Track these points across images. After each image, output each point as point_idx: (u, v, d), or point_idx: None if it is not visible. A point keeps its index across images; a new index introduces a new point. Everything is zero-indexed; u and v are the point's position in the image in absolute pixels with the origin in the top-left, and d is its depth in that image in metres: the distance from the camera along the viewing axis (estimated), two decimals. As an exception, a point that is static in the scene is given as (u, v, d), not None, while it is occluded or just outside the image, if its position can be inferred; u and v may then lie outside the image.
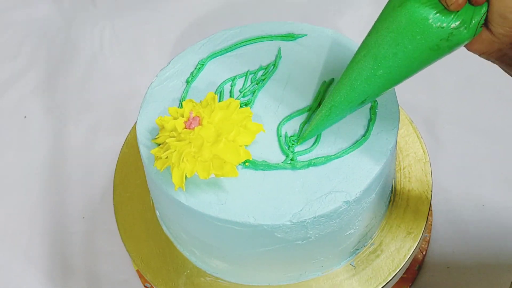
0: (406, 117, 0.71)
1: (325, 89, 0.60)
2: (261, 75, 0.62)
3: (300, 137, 0.57)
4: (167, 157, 0.53)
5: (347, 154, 0.56)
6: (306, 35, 0.65)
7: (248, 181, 0.55)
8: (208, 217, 0.53)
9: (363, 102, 0.54)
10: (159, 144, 0.56)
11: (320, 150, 0.56)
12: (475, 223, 0.75)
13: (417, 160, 0.68)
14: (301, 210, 0.53)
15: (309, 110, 0.59)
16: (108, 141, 0.84)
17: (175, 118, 0.55)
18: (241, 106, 0.57)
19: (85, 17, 0.99)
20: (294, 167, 0.55)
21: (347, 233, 0.57)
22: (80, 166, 0.83)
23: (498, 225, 0.75)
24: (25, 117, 0.89)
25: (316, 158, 0.55)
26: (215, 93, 0.60)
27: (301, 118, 0.59)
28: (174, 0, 1.00)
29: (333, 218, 0.54)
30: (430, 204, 0.65)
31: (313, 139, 0.57)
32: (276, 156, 0.56)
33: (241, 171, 0.55)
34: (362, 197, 0.55)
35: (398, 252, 0.62)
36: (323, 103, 0.56)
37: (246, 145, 0.55)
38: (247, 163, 0.55)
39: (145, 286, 0.72)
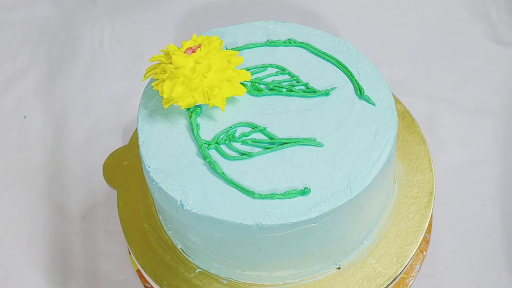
0: (410, 116, 0.71)
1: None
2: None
3: None
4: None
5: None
6: None
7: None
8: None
9: None
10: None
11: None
12: (475, 223, 0.75)
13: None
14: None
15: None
16: (108, 141, 0.84)
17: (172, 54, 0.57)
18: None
19: (85, 17, 0.99)
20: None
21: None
22: (80, 166, 0.83)
23: (498, 225, 0.75)
24: (25, 117, 0.89)
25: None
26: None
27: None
28: (174, 0, 1.00)
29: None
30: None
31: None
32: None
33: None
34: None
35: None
36: None
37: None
38: None
39: (145, 286, 0.72)
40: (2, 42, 0.98)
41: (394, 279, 0.62)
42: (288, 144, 0.56)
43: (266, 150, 0.56)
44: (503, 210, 0.76)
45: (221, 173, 0.55)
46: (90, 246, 0.77)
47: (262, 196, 0.54)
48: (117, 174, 0.71)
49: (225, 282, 0.62)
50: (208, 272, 0.63)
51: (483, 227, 0.75)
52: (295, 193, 0.54)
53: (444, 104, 0.85)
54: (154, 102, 0.60)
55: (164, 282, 0.63)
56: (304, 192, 0.54)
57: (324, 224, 0.54)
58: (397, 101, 0.71)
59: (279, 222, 0.53)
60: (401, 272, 0.62)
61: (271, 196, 0.54)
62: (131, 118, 0.77)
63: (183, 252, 0.64)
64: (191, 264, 0.63)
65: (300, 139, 0.56)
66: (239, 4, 0.99)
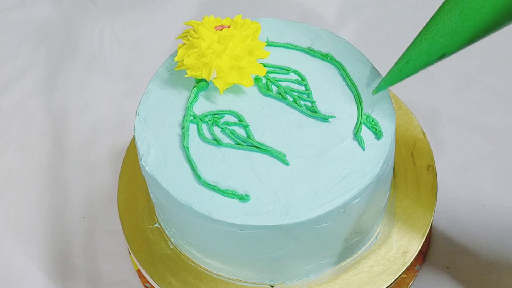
0: (411, 114, 0.71)
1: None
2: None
3: (376, 88, 0.57)
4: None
5: None
6: None
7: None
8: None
9: (442, 57, 0.53)
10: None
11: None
12: (475, 223, 0.75)
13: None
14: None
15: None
16: (108, 141, 0.84)
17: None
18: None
19: (85, 17, 0.99)
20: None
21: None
22: (80, 166, 0.83)
23: (498, 225, 0.75)
24: (25, 117, 0.89)
25: None
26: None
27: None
28: (174, 0, 1.00)
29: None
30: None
31: None
32: None
33: None
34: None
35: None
36: (400, 56, 0.56)
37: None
38: None
39: (145, 286, 0.72)
40: (2, 42, 0.97)
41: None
42: (258, 149, 0.56)
43: (236, 145, 0.56)
44: (503, 210, 0.76)
45: (186, 147, 0.56)
46: (90, 246, 0.77)
47: (205, 183, 0.54)
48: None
49: (226, 281, 0.62)
50: (210, 271, 0.63)
51: (483, 227, 0.75)
52: (234, 195, 0.54)
53: (444, 104, 0.85)
54: (174, 64, 0.61)
55: (165, 282, 0.63)
56: (243, 198, 0.54)
57: (251, 235, 0.54)
58: (397, 100, 0.71)
59: (204, 213, 0.53)
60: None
61: (212, 187, 0.54)
62: (131, 118, 0.77)
63: (183, 251, 0.64)
64: (192, 263, 0.63)
65: (270, 149, 0.56)
66: (239, 3, 0.99)
